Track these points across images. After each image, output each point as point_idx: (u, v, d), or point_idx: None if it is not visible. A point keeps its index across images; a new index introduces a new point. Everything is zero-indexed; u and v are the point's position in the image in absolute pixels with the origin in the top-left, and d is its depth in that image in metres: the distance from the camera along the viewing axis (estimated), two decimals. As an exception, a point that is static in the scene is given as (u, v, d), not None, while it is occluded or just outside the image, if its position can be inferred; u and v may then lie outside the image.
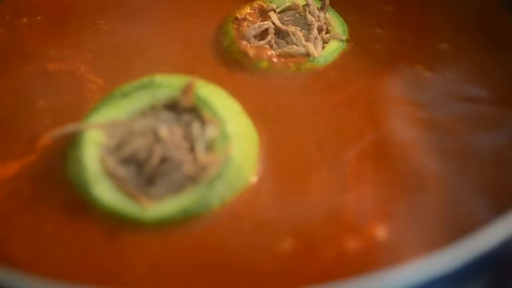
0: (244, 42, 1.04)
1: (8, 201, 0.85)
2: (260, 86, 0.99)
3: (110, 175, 0.84)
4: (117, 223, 0.82)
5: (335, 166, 0.88)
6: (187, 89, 0.87)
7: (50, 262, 0.80)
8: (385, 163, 0.89)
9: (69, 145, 0.87)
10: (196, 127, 0.86)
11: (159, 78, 0.90)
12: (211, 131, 0.85)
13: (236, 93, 0.94)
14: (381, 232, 0.81)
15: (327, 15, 1.08)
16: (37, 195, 0.86)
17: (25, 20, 1.10)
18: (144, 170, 0.84)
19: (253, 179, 0.87)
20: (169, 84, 0.89)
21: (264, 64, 1.02)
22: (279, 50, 1.03)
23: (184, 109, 0.88)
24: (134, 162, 0.85)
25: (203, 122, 0.87)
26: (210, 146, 0.85)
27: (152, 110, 0.88)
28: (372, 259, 0.79)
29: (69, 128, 0.87)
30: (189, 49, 1.05)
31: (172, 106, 0.88)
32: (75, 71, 1.02)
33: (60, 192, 0.86)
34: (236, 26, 1.06)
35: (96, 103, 0.91)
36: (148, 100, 0.89)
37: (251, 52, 1.02)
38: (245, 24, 1.06)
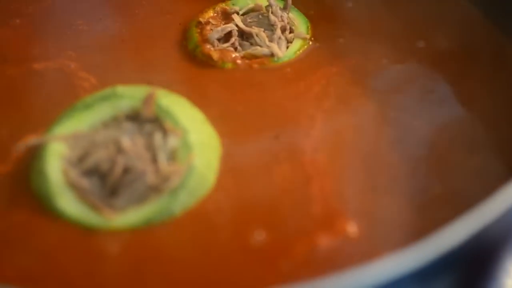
0: (208, 46, 1.04)
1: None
2: (224, 85, 1.00)
3: (73, 186, 0.84)
4: (82, 232, 0.83)
5: (293, 157, 0.89)
6: (148, 100, 0.88)
7: (15, 269, 0.80)
8: (340, 153, 0.90)
9: (33, 157, 0.87)
10: (158, 137, 0.86)
11: (121, 89, 0.91)
12: (172, 141, 0.86)
13: (200, 93, 0.96)
14: (351, 228, 0.82)
15: (290, 14, 1.09)
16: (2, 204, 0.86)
17: (3, 22, 1.10)
18: (107, 181, 0.84)
19: (216, 181, 0.87)
20: (130, 95, 0.90)
21: (229, 66, 1.02)
22: (243, 52, 1.04)
23: (146, 120, 0.88)
24: (97, 173, 0.85)
25: (165, 132, 0.87)
26: (172, 156, 0.86)
27: (114, 121, 0.89)
28: (342, 255, 0.80)
29: (32, 141, 0.88)
30: (160, 48, 1.06)
31: (134, 117, 0.89)
32: (65, 68, 1.02)
33: (25, 202, 0.86)
34: (199, 30, 1.07)
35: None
36: (110, 111, 0.89)
37: (215, 55, 1.03)
38: (208, 27, 1.07)
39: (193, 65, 1.04)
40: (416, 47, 1.06)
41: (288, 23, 1.07)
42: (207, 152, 0.88)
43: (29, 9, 1.13)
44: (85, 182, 0.84)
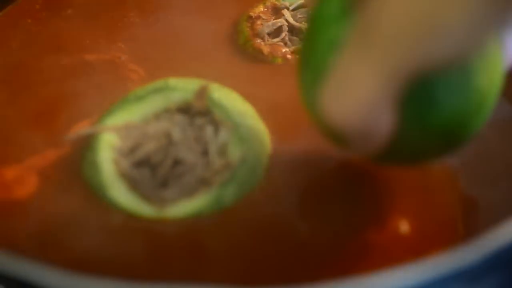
0: (259, 40, 1.05)
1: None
2: (274, 80, 1.00)
3: (125, 177, 0.85)
4: (135, 220, 0.84)
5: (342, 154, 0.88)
6: (201, 93, 0.88)
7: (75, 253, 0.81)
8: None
9: (85, 147, 0.89)
10: (209, 130, 0.87)
11: (173, 81, 0.91)
12: (224, 135, 0.86)
13: (250, 87, 0.96)
14: (403, 226, 0.82)
15: None
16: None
17: (55, 13, 1.12)
18: (158, 173, 0.85)
19: (265, 175, 0.87)
20: (183, 88, 0.90)
21: (279, 61, 1.03)
22: (293, 47, 1.04)
23: (197, 113, 0.89)
24: (148, 164, 0.86)
25: (216, 125, 0.88)
26: (223, 150, 0.86)
27: (166, 113, 0.89)
28: (393, 254, 0.80)
29: (84, 131, 0.89)
30: (211, 43, 1.07)
31: (186, 110, 0.89)
32: (116, 60, 1.03)
33: (78, 190, 0.87)
34: (249, 25, 1.07)
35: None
36: (162, 103, 0.90)
37: (266, 49, 1.03)
38: (258, 22, 1.07)
39: (243, 59, 1.04)
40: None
41: None
42: (257, 146, 0.88)
43: (81, 0, 1.14)
44: (136, 173, 0.85)
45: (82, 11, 1.12)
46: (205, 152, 0.86)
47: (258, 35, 1.06)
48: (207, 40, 1.07)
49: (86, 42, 1.06)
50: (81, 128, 0.89)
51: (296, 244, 0.81)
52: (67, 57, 1.04)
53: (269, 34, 1.06)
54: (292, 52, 1.03)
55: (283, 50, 1.04)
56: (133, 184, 0.85)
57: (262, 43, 1.05)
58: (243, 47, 1.05)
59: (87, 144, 0.88)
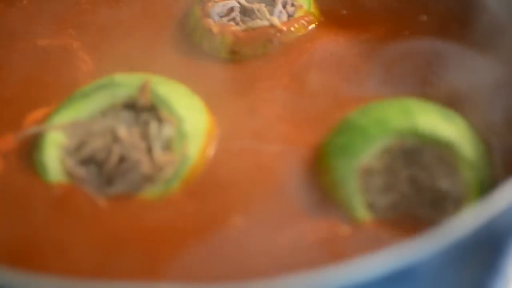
0: (209, 20, 1.04)
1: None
2: (218, 68, 1.02)
3: (70, 175, 0.86)
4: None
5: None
6: (143, 88, 0.89)
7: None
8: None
9: (32, 146, 0.90)
10: (153, 126, 0.87)
11: (119, 77, 0.92)
12: (167, 130, 0.87)
13: (194, 76, 0.98)
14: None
15: None
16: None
17: (11, 4, 1.13)
18: (103, 170, 0.86)
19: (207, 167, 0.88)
20: (128, 83, 0.90)
21: (229, 40, 1.03)
22: (244, 26, 1.04)
23: (143, 109, 0.89)
24: (93, 162, 0.87)
25: (160, 121, 0.88)
26: (167, 146, 0.87)
27: (112, 110, 0.90)
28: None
29: (31, 129, 0.90)
30: (161, 28, 1.08)
31: (132, 106, 0.90)
32: (68, 46, 1.04)
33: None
34: (201, 7, 1.07)
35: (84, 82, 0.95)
36: (108, 100, 0.90)
37: (215, 29, 1.03)
38: (210, 4, 1.07)
39: (193, 43, 1.05)
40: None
41: None
42: (202, 140, 0.89)
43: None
44: (81, 171, 0.86)
45: (37, 1, 1.13)
46: (150, 149, 0.87)
47: (208, 15, 1.06)
48: (157, 25, 1.08)
49: (39, 28, 1.08)
50: (28, 127, 0.91)
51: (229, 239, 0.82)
52: (20, 43, 1.05)
53: (220, 16, 1.06)
54: (244, 31, 1.03)
55: (233, 29, 1.04)
56: (79, 182, 0.86)
57: (212, 22, 1.05)
58: (193, 30, 1.06)
59: (34, 143, 0.89)
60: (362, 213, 0.81)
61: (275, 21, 1.04)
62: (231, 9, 1.06)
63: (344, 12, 1.08)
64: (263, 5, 1.06)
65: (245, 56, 1.02)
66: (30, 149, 0.90)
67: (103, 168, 0.86)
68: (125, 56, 1.02)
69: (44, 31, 1.07)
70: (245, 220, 0.82)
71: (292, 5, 1.07)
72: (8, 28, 1.09)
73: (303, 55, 1.03)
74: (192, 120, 0.89)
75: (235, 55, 1.02)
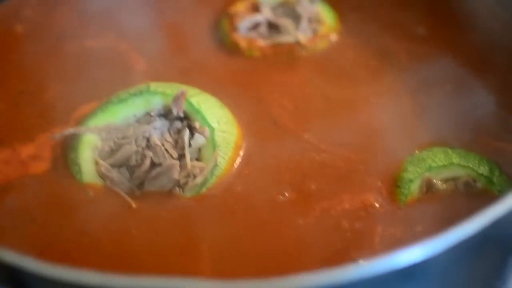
0: (237, 34, 1.10)
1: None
2: (248, 73, 1.07)
3: (103, 177, 0.90)
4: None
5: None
6: (178, 98, 0.92)
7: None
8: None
9: (69, 147, 0.94)
10: (186, 135, 0.91)
11: (154, 85, 0.95)
12: (199, 140, 0.91)
13: (226, 78, 1.04)
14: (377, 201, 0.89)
15: (317, 7, 1.14)
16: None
17: (63, 2, 1.19)
18: (135, 174, 0.90)
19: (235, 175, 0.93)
20: (163, 92, 0.94)
21: (257, 54, 1.08)
22: (271, 41, 1.10)
23: (176, 117, 0.93)
24: (126, 166, 0.90)
25: (192, 130, 0.92)
26: (198, 154, 0.91)
27: (146, 116, 0.94)
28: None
29: (68, 131, 0.93)
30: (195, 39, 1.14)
31: (165, 114, 0.94)
32: (116, 47, 1.10)
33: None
34: (229, 21, 1.13)
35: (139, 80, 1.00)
36: (142, 106, 0.94)
37: (243, 43, 1.09)
38: (238, 18, 1.12)
39: (223, 53, 1.10)
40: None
41: (314, 15, 1.13)
42: (231, 150, 0.92)
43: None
44: (114, 174, 0.90)
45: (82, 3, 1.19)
46: (182, 156, 0.90)
47: (236, 29, 1.11)
48: (191, 35, 1.13)
49: (87, 29, 1.14)
50: (66, 129, 0.94)
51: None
52: (69, 44, 1.11)
53: (248, 30, 1.11)
54: (271, 46, 1.09)
55: (261, 44, 1.09)
56: (111, 184, 0.89)
57: (239, 36, 1.10)
58: (222, 42, 1.11)
59: (70, 144, 0.93)
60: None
61: (301, 37, 1.09)
62: (258, 24, 1.11)
63: (366, 27, 1.13)
64: (289, 21, 1.11)
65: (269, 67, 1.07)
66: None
67: (135, 172, 0.90)
68: (162, 57, 1.08)
69: (90, 32, 1.13)
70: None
71: (317, 21, 1.12)
72: (56, 30, 1.14)
73: (326, 68, 1.08)
74: (223, 131, 0.93)
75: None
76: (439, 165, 0.90)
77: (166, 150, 0.90)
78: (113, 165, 0.91)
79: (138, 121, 0.94)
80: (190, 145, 0.91)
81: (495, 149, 0.94)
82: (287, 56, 1.08)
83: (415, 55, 1.08)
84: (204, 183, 0.89)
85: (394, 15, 1.15)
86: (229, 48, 1.10)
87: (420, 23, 1.13)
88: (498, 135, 0.96)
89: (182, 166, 0.90)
